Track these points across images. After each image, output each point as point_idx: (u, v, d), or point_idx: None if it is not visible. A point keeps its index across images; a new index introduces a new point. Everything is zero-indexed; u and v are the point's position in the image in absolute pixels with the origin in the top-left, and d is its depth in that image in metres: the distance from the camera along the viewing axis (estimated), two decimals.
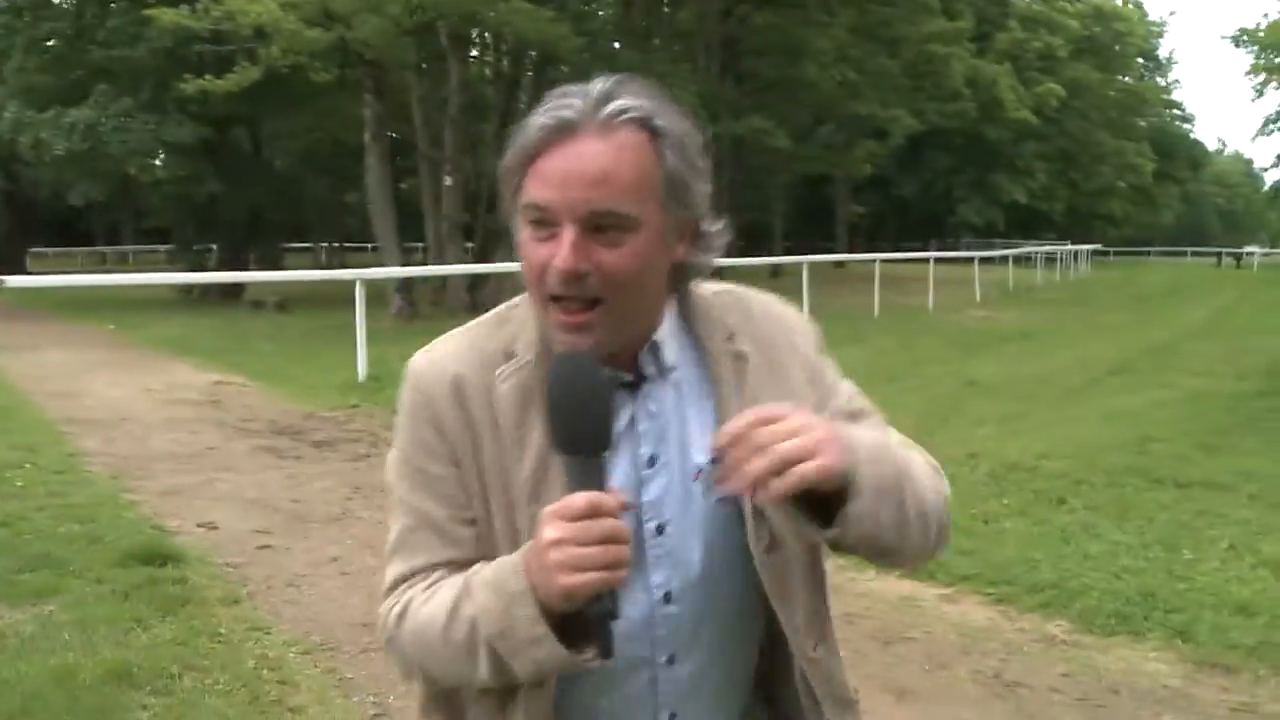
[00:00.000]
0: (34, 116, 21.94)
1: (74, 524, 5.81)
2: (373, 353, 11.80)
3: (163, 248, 37.22)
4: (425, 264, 22.57)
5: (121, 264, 47.98)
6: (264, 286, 23.72)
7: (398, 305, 19.61)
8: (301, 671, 4.03)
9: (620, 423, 1.28)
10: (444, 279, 21.47)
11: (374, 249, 29.81)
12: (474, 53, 24.27)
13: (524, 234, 1.22)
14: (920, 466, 1.31)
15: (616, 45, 24.20)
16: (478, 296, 20.47)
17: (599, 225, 1.17)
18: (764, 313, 1.40)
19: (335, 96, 27.99)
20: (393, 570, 1.32)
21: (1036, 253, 36.39)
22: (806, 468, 1.10)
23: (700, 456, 1.28)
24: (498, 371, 1.29)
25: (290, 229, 39.19)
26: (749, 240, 45.95)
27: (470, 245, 22.75)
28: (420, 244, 26.67)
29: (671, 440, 1.29)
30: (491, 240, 22.50)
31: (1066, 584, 5.02)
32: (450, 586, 1.25)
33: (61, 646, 4.08)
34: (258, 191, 26.19)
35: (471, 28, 18.90)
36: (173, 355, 14.92)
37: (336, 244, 47.33)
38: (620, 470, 1.27)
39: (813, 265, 19.02)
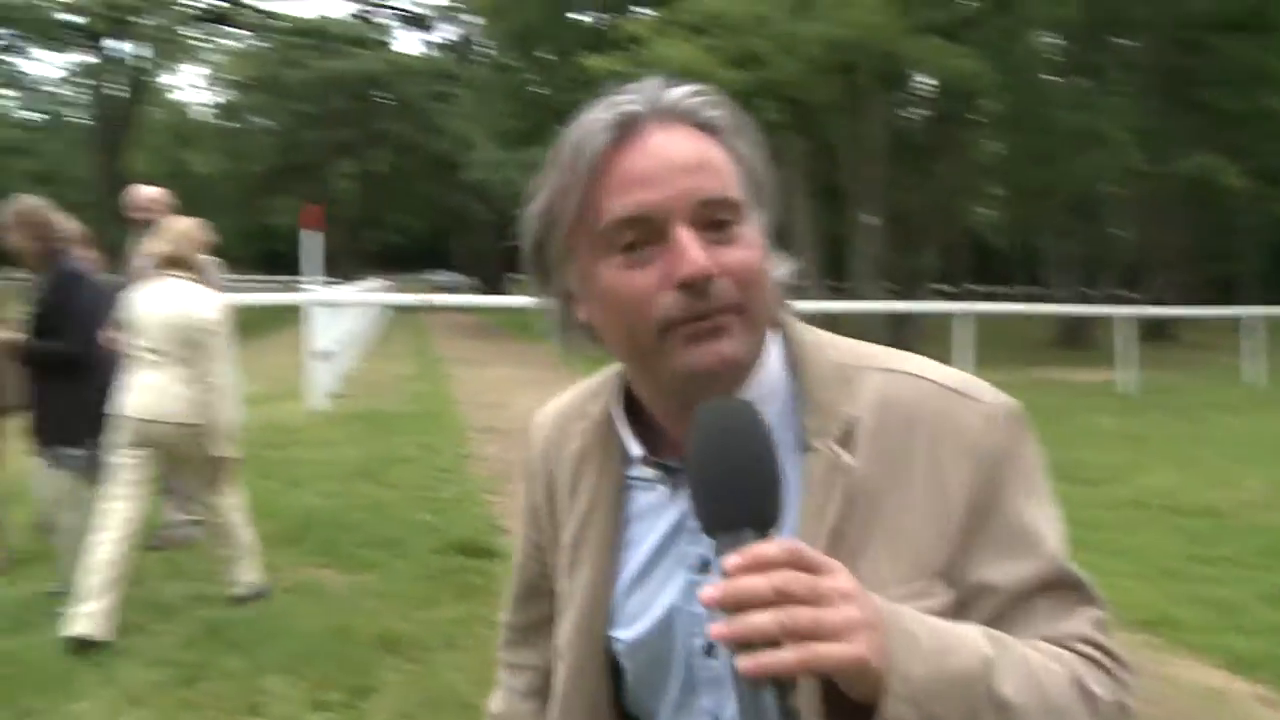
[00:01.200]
0: (504, 156, 24.92)
1: (427, 514, 6.59)
2: None
3: None
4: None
5: None
6: None
7: None
8: None
9: (673, 512, 1.04)
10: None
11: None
12: (908, 90, 24.15)
13: (605, 273, 0.97)
14: (1062, 690, 0.92)
15: (1044, 77, 23.13)
16: (901, 336, 20.28)
17: (710, 219, 0.95)
18: (913, 404, 1.00)
19: (781, 136, 28.91)
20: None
21: None
22: (819, 650, 0.77)
23: None
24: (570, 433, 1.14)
25: None
26: (1219, 292, 41.31)
27: (893, 286, 22.71)
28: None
29: None
30: (916, 279, 22.61)
31: None
32: None
33: (357, 611, 4.73)
34: None
35: (888, 66, 18.89)
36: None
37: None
38: (664, 570, 1.05)
39: None
